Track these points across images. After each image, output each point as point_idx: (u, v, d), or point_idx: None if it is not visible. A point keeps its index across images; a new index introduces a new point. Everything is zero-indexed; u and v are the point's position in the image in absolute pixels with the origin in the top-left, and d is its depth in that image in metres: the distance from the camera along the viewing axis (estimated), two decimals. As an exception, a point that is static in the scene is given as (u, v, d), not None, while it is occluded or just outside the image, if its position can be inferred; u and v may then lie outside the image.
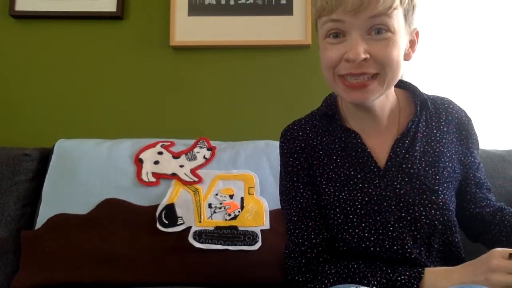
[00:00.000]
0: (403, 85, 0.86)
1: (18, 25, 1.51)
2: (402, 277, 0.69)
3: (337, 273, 0.75)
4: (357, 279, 0.72)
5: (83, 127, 1.47)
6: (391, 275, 0.71)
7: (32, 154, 1.23)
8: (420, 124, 0.81)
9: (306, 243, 0.80)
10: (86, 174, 1.16)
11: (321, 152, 0.82)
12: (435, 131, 0.82)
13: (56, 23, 1.50)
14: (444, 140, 0.81)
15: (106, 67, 1.50)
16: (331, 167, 0.81)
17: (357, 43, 0.68)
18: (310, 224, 0.80)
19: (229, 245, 1.07)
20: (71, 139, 1.26)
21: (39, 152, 1.25)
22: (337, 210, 0.78)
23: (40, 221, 1.12)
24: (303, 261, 0.79)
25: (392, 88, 0.81)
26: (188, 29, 1.48)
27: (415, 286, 0.68)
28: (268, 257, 1.06)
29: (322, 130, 0.85)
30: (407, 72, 1.50)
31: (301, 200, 0.82)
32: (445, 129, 0.83)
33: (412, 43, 0.77)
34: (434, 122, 0.83)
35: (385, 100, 0.79)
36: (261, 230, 1.10)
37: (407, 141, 0.79)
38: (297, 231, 0.81)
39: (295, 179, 0.83)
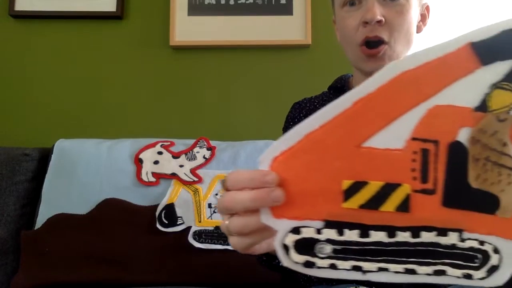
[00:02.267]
0: None
1: (18, 25, 1.50)
2: None
3: None
4: None
5: (83, 127, 1.47)
6: None
7: (32, 154, 1.23)
8: None
9: None
10: (85, 174, 1.16)
11: None
12: None
13: (56, 23, 1.50)
14: None
15: (105, 67, 1.50)
16: None
17: (373, 5, 0.72)
18: None
19: (229, 245, 1.07)
20: (71, 139, 1.25)
21: (39, 152, 1.25)
22: None
23: (40, 221, 1.12)
24: None
25: None
26: (188, 29, 1.47)
27: None
28: (268, 257, 1.07)
29: (330, 102, 0.87)
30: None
31: None
32: None
33: (423, 17, 0.80)
34: None
35: None
36: (261, 230, 1.10)
37: None
38: None
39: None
